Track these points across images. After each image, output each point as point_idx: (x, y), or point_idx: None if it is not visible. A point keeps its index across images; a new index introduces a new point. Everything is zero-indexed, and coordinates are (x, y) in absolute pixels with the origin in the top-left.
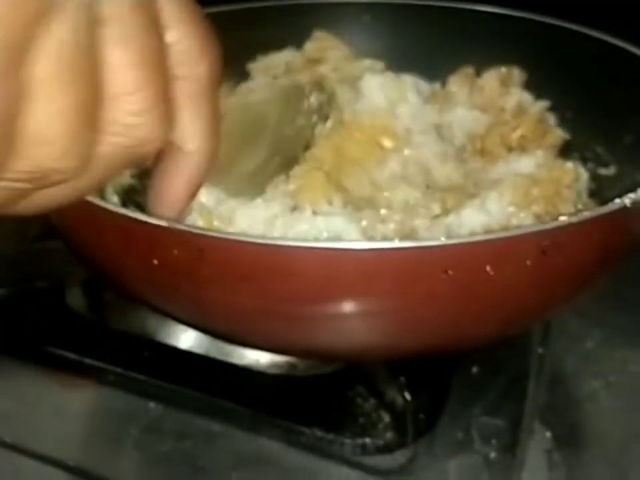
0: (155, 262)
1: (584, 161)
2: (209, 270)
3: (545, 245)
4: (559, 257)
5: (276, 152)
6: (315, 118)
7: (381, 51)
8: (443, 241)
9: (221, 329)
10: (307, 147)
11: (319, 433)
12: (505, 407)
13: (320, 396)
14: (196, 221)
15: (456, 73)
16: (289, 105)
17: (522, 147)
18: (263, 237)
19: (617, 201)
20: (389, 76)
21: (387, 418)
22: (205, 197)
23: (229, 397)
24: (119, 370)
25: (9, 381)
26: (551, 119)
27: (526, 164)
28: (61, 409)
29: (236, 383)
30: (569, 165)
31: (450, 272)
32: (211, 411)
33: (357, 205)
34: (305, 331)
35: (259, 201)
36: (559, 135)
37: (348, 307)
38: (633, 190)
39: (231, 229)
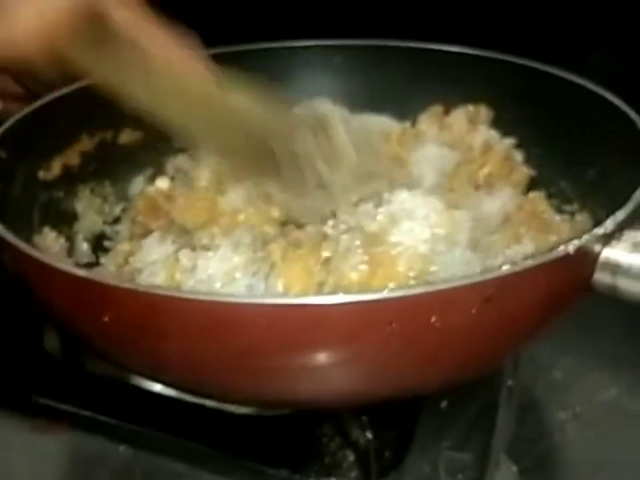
0: (106, 319)
1: (549, 197)
2: (158, 327)
3: (489, 293)
4: (504, 305)
5: (251, 152)
6: (313, 157)
7: (352, 92)
8: (384, 294)
9: (178, 382)
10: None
11: (285, 474)
12: (473, 440)
13: (287, 435)
14: (158, 272)
15: (426, 111)
16: (286, 125)
17: (489, 185)
18: (210, 294)
19: (561, 247)
20: None
21: (351, 457)
22: (167, 250)
23: (197, 438)
24: (91, 414)
25: None
26: (518, 155)
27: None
28: (33, 453)
29: (205, 424)
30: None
31: (394, 324)
32: (179, 453)
33: None
34: (257, 383)
35: (220, 252)
36: (525, 172)
37: (298, 359)
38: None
39: (191, 281)
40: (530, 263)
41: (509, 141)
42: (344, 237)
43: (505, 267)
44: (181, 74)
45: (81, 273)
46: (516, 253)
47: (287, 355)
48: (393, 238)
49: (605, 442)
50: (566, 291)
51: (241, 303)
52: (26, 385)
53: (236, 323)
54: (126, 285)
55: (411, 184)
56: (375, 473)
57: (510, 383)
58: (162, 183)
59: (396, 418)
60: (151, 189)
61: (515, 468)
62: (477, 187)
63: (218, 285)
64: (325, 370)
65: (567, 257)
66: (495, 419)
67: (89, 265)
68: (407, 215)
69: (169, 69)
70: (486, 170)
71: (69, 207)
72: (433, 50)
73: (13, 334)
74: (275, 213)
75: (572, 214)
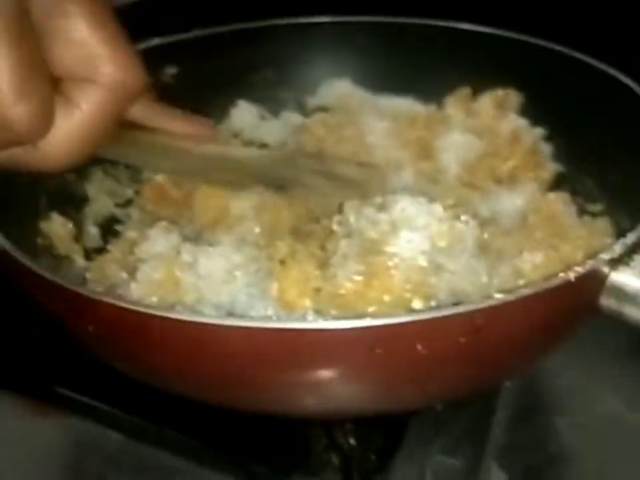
0: (90, 328)
1: (574, 193)
2: (140, 341)
3: (479, 323)
4: (496, 334)
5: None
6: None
7: (375, 72)
8: (366, 321)
9: (159, 387)
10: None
11: (271, 472)
12: (465, 445)
13: (274, 433)
14: (157, 268)
15: (453, 94)
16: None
17: (512, 179)
18: (188, 313)
19: (561, 275)
20: None
21: (335, 460)
22: (172, 242)
23: (187, 431)
24: (86, 398)
25: None
26: (546, 148)
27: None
28: (24, 437)
29: (196, 419)
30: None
31: (378, 350)
32: (169, 445)
33: None
34: (238, 397)
35: (221, 249)
36: (551, 168)
37: (279, 381)
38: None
39: (191, 278)
40: (525, 292)
41: (538, 131)
42: (343, 242)
43: (498, 296)
44: (191, 145)
45: (63, 282)
46: (525, 262)
47: (266, 377)
48: (391, 248)
49: (601, 456)
50: (567, 318)
51: (218, 325)
52: (25, 368)
53: (214, 343)
54: (106, 298)
55: (435, 176)
56: (358, 477)
57: (509, 385)
58: None
59: (385, 420)
60: (159, 176)
61: (505, 478)
62: (499, 181)
63: (218, 283)
64: (309, 391)
65: (567, 285)
66: (489, 423)
67: (96, 251)
68: (408, 224)
69: (182, 144)
70: (511, 163)
71: (79, 189)
72: (461, 30)
73: (14, 317)
74: (286, 215)
75: (594, 216)
